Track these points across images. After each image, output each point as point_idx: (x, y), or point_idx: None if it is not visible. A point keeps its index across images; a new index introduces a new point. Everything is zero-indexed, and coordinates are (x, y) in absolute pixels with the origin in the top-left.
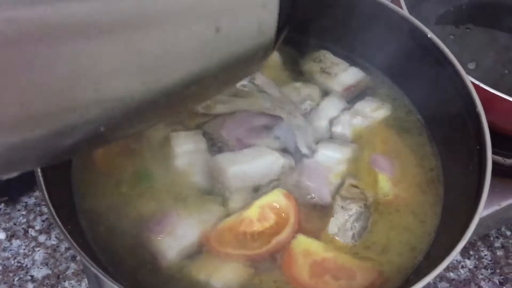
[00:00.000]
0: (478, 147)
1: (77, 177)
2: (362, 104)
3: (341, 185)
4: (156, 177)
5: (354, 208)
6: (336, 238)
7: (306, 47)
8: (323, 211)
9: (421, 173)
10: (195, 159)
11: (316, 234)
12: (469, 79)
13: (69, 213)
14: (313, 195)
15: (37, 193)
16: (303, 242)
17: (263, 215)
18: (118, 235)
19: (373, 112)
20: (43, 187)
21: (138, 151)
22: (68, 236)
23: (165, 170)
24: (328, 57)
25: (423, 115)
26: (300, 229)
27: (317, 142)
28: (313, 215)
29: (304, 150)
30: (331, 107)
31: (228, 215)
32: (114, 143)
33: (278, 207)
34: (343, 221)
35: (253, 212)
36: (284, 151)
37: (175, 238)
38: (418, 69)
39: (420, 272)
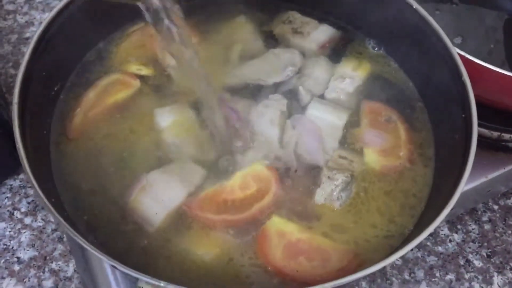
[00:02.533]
0: (463, 115)
1: (56, 151)
2: (341, 66)
3: (333, 149)
4: (139, 149)
5: (341, 178)
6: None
7: (274, 11)
8: (310, 180)
9: (411, 144)
10: (183, 132)
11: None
12: (453, 48)
13: (52, 187)
14: (305, 155)
15: (22, 176)
16: (277, 223)
17: (245, 183)
18: (101, 207)
19: (354, 71)
20: (26, 164)
21: (121, 120)
22: (52, 208)
23: (150, 141)
24: (297, 17)
25: (409, 76)
26: (286, 200)
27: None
28: (300, 184)
29: (303, 94)
30: (319, 70)
31: (212, 178)
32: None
33: (259, 176)
34: (330, 191)
35: (235, 181)
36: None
37: (160, 203)
38: (401, 33)
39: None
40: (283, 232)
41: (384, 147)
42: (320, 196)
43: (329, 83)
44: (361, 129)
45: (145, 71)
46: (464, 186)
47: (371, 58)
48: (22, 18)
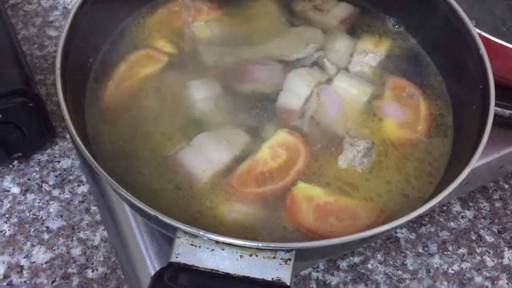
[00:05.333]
0: (481, 86)
1: (91, 119)
2: (363, 42)
3: (355, 119)
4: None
5: (362, 145)
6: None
7: None
8: (332, 147)
9: (430, 120)
10: (213, 104)
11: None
12: (471, 24)
13: (88, 146)
14: (326, 124)
15: (49, 151)
16: (303, 188)
17: (274, 153)
18: (140, 167)
19: (375, 46)
20: (70, 124)
21: (153, 92)
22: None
23: (184, 115)
24: None
25: (428, 52)
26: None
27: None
28: (323, 150)
29: (329, 66)
30: (341, 44)
31: (251, 147)
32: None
33: (286, 143)
34: (352, 157)
35: (264, 153)
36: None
37: (208, 162)
38: (420, 11)
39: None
40: (311, 196)
41: (403, 120)
42: (343, 161)
43: (351, 57)
44: (383, 101)
45: (169, 48)
46: (480, 155)
47: (391, 35)
48: (46, 2)
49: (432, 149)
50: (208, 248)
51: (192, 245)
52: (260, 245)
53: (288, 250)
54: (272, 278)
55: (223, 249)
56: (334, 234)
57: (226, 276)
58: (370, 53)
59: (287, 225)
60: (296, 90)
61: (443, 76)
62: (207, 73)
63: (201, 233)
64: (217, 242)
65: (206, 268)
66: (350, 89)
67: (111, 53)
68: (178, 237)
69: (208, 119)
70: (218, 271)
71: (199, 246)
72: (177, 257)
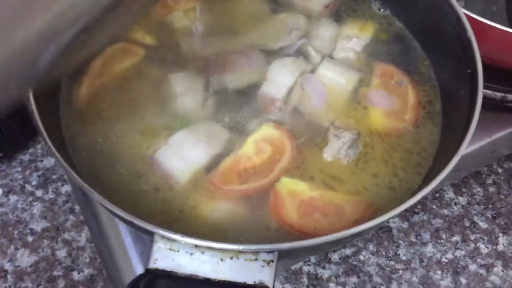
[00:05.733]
0: (469, 70)
1: (66, 118)
2: (347, 27)
3: (340, 109)
4: (153, 113)
5: (348, 136)
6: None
7: None
8: (316, 139)
9: (417, 108)
10: (195, 97)
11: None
12: (458, 5)
13: (66, 153)
14: (310, 115)
15: (31, 150)
16: (287, 183)
17: (259, 149)
18: (118, 168)
19: (360, 31)
20: (42, 129)
21: (130, 88)
22: (66, 165)
23: (164, 110)
24: None
25: (415, 35)
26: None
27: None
28: (307, 143)
29: (313, 54)
30: (326, 30)
31: (233, 142)
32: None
33: (271, 138)
34: (337, 149)
35: (248, 148)
36: None
37: (186, 162)
38: None
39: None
40: (294, 192)
41: (391, 109)
42: (328, 153)
43: (336, 43)
44: (370, 89)
45: (149, 40)
46: (469, 141)
47: (376, 18)
48: None
49: (420, 139)
50: (187, 252)
51: (170, 249)
52: (241, 247)
53: (270, 251)
54: (254, 282)
55: (202, 253)
56: (319, 231)
57: (207, 281)
58: (354, 38)
59: (270, 224)
60: (280, 80)
61: (430, 61)
62: (187, 66)
63: (178, 237)
64: (196, 245)
65: (185, 274)
66: (335, 77)
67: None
68: (156, 242)
69: (189, 115)
70: (198, 276)
71: (178, 251)
72: (155, 263)
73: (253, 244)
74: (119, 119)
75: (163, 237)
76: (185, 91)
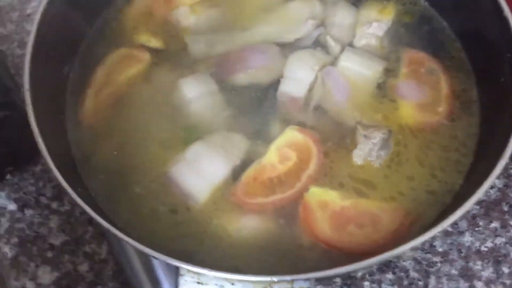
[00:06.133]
0: (509, 54)
1: (74, 136)
2: (365, 10)
3: (366, 104)
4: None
5: (378, 136)
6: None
7: None
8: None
9: (452, 99)
10: (209, 101)
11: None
12: None
13: (75, 175)
14: (333, 113)
15: (43, 160)
16: (317, 194)
17: (283, 155)
18: (131, 188)
19: (380, 13)
20: (47, 155)
21: (138, 97)
22: (79, 199)
23: (177, 118)
24: None
25: (442, 15)
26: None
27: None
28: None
29: (332, 44)
30: (343, 16)
31: (255, 150)
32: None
33: (295, 143)
34: (368, 151)
35: (271, 156)
36: None
37: (204, 178)
38: None
39: (456, 202)
40: (325, 202)
41: (422, 101)
42: (358, 156)
43: (355, 30)
44: (398, 80)
45: (154, 43)
46: None
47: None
48: None
49: (456, 133)
50: (216, 284)
51: (198, 283)
52: (276, 279)
53: (306, 279)
54: None
55: (233, 284)
56: (355, 245)
57: None
58: (375, 22)
59: (302, 241)
60: (299, 76)
61: (462, 42)
62: (197, 68)
63: (206, 271)
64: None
65: None
66: (358, 69)
67: (90, 58)
68: (182, 275)
69: (203, 122)
70: None
71: (207, 284)
72: None
73: (288, 274)
74: (128, 135)
75: (189, 270)
76: (198, 97)
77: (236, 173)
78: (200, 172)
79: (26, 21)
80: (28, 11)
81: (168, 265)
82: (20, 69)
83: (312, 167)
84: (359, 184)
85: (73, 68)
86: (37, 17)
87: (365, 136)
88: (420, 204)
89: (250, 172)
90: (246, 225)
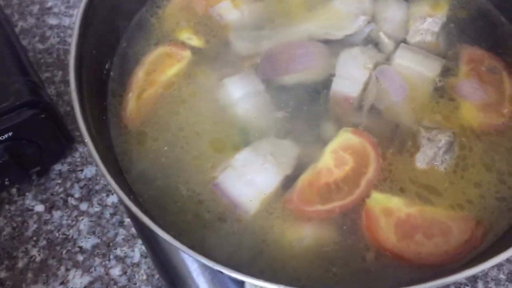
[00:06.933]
0: None
1: (117, 138)
2: (417, 5)
3: (424, 105)
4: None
5: (443, 139)
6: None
7: None
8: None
9: None
10: (257, 102)
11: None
12: None
13: (121, 178)
14: (390, 114)
15: (69, 159)
16: (380, 200)
17: (339, 159)
18: (174, 195)
19: (433, 8)
20: (99, 160)
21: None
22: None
23: (223, 119)
24: None
25: (501, 9)
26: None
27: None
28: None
29: (386, 41)
30: (395, 10)
31: (306, 156)
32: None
33: (351, 146)
34: (432, 155)
35: (327, 159)
36: None
37: (254, 188)
38: None
39: None
40: (389, 210)
41: (485, 101)
42: (421, 161)
43: (408, 26)
44: (459, 79)
45: (195, 41)
46: None
47: None
48: None
49: None
50: None
51: None
52: None
53: None
54: None
55: None
56: (425, 255)
57: None
58: (428, 17)
59: (365, 252)
60: (352, 75)
61: None
62: (242, 66)
63: (272, 286)
64: None
65: None
66: (415, 67)
67: (130, 56)
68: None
69: (252, 124)
70: None
71: None
72: None
73: None
74: (176, 135)
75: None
76: (244, 97)
77: (287, 181)
78: (250, 182)
79: (47, 14)
80: (49, 4)
81: (216, 275)
82: (42, 65)
83: (371, 172)
84: (422, 190)
85: (113, 67)
86: (79, 14)
87: (428, 139)
88: (491, 212)
89: (305, 177)
90: (307, 234)
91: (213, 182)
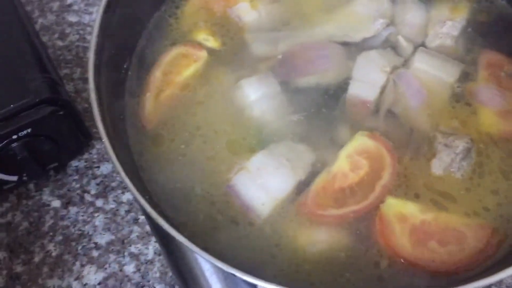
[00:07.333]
0: None
1: (134, 139)
2: (437, 8)
3: (442, 110)
4: (228, 129)
5: (461, 145)
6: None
7: None
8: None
9: None
10: (273, 104)
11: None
12: None
13: (137, 178)
14: (407, 118)
15: (86, 156)
16: (394, 206)
17: (354, 163)
18: (188, 195)
19: (452, 12)
20: (116, 160)
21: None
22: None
23: (239, 120)
24: None
25: None
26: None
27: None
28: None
29: (404, 44)
30: (414, 14)
31: (321, 160)
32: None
33: (366, 150)
34: (449, 161)
35: (342, 163)
36: None
37: (267, 192)
38: None
39: None
40: (404, 216)
41: (504, 108)
42: (437, 167)
43: (427, 29)
44: (477, 84)
45: (212, 42)
46: None
47: None
48: None
49: None
50: None
51: None
52: None
53: None
54: None
55: None
56: (439, 263)
57: None
58: (448, 20)
59: (379, 258)
60: (369, 78)
61: None
62: (259, 67)
63: None
64: None
65: None
66: (434, 71)
67: (147, 56)
68: None
69: (268, 126)
70: None
71: None
72: None
73: None
74: (193, 135)
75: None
76: (261, 99)
77: (301, 186)
78: (264, 185)
79: (67, 11)
80: (69, 1)
81: (229, 276)
82: (61, 61)
83: (386, 177)
84: (437, 196)
85: (131, 66)
86: (99, 14)
87: (445, 145)
88: (507, 221)
89: (319, 181)
90: (320, 239)
91: (228, 183)
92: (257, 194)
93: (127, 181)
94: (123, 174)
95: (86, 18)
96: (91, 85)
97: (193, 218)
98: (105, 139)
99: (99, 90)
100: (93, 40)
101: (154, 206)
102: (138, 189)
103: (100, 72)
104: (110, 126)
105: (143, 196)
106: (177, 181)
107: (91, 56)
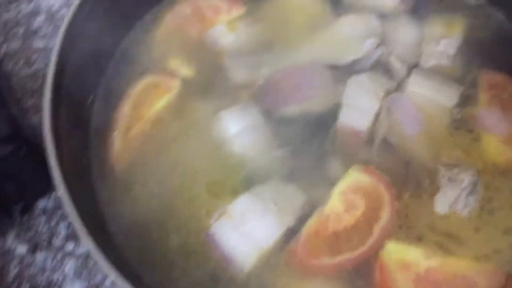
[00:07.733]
0: None
1: (101, 182)
2: (431, 26)
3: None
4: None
5: (467, 178)
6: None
7: None
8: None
9: None
10: (256, 137)
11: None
12: None
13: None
14: (404, 148)
15: (55, 194)
16: (395, 251)
17: (349, 203)
18: (164, 247)
19: (447, 28)
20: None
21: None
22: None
23: (219, 157)
24: None
25: None
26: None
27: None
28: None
29: (398, 66)
30: (406, 32)
31: (312, 200)
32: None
33: (362, 187)
34: (454, 198)
35: (335, 203)
36: None
37: (251, 240)
38: None
39: None
40: (406, 263)
41: (510, 134)
42: (441, 204)
43: (420, 48)
44: (479, 108)
45: (185, 70)
46: None
47: (469, 10)
48: (26, 7)
49: None
50: None
51: None
52: None
53: None
54: None
55: None
56: None
57: None
58: (443, 39)
59: None
60: (361, 105)
61: None
62: (239, 96)
63: None
64: None
65: None
66: (431, 95)
67: (114, 87)
68: None
69: (251, 164)
70: None
71: None
72: None
73: None
74: (163, 185)
75: None
76: (243, 131)
77: (290, 232)
78: (247, 233)
79: (33, 37)
80: (35, 27)
81: None
82: (27, 91)
83: (385, 218)
84: (442, 238)
85: (97, 101)
86: (58, 41)
87: (449, 179)
88: None
89: (311, 224)
90: None
91: (206, 231)
92: (239, 243)
93: (90, 244)
94: (85, 238)
95: (53, 44)
96: (46, 127)
97: (169, 275)
98: (62, 191)
99: (57, 130)
100: (48, 78)
101: (122, 266)
102: (103, 251)
103: (58, 110)
104: (71, 173)
105: (109, 260)
106: (151, 230)
107: (46, 96)
